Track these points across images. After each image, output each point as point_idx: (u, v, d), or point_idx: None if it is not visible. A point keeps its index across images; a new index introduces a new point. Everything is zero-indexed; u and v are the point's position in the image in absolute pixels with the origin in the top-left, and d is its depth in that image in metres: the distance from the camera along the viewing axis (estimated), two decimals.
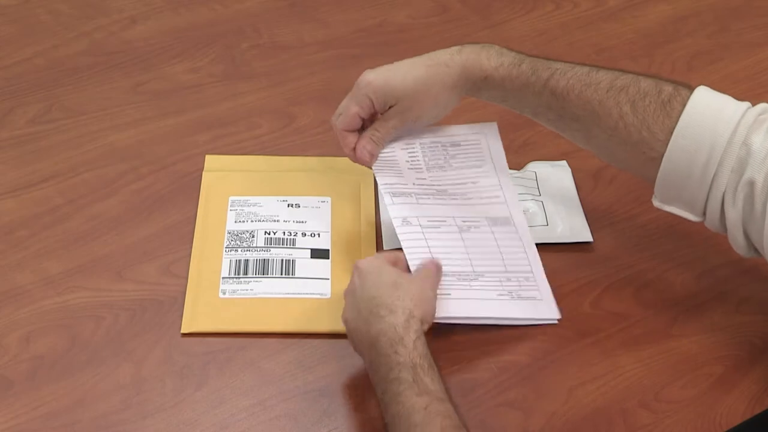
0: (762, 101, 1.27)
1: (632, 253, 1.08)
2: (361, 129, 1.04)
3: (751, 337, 1.01)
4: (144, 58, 1.29)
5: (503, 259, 1.02)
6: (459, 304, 0.98)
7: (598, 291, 1.04)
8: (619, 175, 1.14)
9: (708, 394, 0.96)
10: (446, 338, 0.98)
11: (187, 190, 1.12)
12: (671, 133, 0.92)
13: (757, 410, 0.95)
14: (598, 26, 1.40)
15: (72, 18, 1.35)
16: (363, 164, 1.04)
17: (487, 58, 0.99)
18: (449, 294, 0.98)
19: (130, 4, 1.38)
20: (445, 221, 1.02)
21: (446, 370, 0.94)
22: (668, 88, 0.94)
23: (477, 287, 1.00)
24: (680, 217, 1.11)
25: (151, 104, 1.23)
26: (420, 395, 0.83)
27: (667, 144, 0.92)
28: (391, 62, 1.30)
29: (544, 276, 1.03)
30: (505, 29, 1.38)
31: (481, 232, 1.03)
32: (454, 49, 1.01)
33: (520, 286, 1.02)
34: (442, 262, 0.98)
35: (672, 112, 0.93)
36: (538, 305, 1.01)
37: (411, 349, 0.86)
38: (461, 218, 1.03)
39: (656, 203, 0.98)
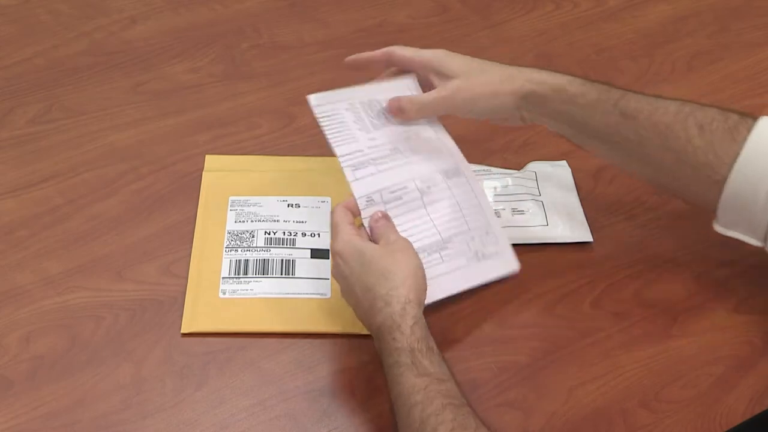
0: (762, 101, 1.28)
1: (632, 253, 1.08)
2: None
3: (751, 337, 1.01)
4: (144, 58, 1.29)
5: (464, 217, 1.02)
6: (435, 284, 0.98)
7: (598, 291, 1.05)
8: (619, 175, 1.14)
9: (708, 394, 0.96)
10: (446, 338, 0.98)
11: (187, 190, 1.12)
12: (736, 158, 0.93)
13: (757, 410, 0.95)
14: (598, 26, 1.40)
15: (72, 18, 1.35)
16: (390, 109, 1.04)
17: (560, 75, 1.00)
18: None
19: (130, 4, 1.38)
20: (406, 188, 1.02)
21: None
22: (734, 116, 0.96)
23: (447, 257, 1.00)
24: (680, 218, 1.11)
25: (151, 104, 1.23)
26: (419, 377, 0.85)
27: (731, 168, 0.94)
28: None
29: (498, 225, 1.04)
30: (505, 29, 1.38)
31: (440, 190, 1.03)
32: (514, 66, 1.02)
33: (482, 243, 1.02)
34: (411, 239, 0.98)
35: (738, 137, 0.94)
36: (499, 261, 1.02)
37: (408, 334, 0.88)
38: (419, 179, 1.02)
39: (718, 228, 0.99)
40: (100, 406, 0.92)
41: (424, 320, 0.90)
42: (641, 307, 1.03)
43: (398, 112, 1.04)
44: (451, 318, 1.00)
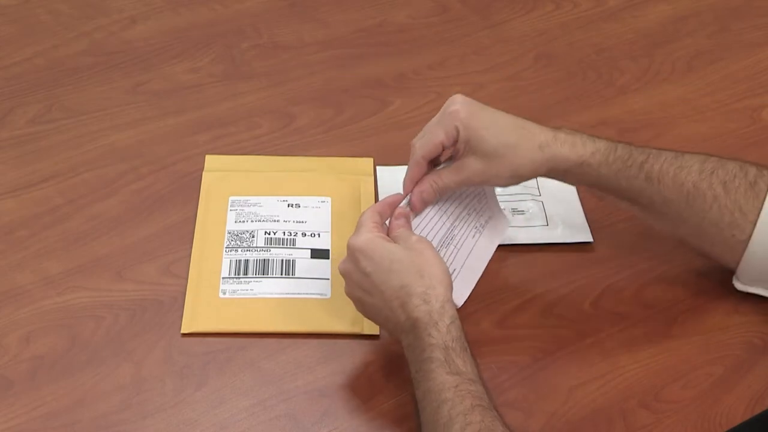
0: (762, 101, 1.28)
1: (632, 253, 1.08)
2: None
3: (751, 337, 1.01)
4: (144, 58, 1.29)
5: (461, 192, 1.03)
6: (463, 276, 0.99)
7: (598, 291, 1.04)
8: None
9: (708, 394, 0.96)
10: None
11: (187, 190, 1.12)
12: (758, 216, 0.95)
13: (757, 410, 0.95)
14: (598, 26, 1.40)
15: (72, 18, 1.35)
16: (413, 207, 0.99)
17: (582, 143, 0.98)
18: (453, 270, 0.99)
19: (130, 4, 1.38)
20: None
21: None
22: (753, 170, 0.97)
23: (456, 246, 1.00)
24: None
25: (151, 104, 1.23)
26: (451, 374, 0.85)
27: (755, 226, 0.95)
28: (391, 62, 1.31)
29: (494, 196, 1.03)
30: (505, 29, 1.38)
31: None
32: (547, 130, 0.98)
33: (478, 213, 1.03)
34: (424, 233, 0.98)
35: (759, 193, 0.96)
36: (496, 226, 1.03)
37: (444, 332, 0.87)
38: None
39: (738, 285, 1.01)
40: (100, 406, 0.92)
41: (459, 321, 0.89)
42: (641, 307, 1.03)
43: (422, 205, 0.99)
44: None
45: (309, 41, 1.34)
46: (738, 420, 0.94)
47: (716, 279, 1.06)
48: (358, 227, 0.95)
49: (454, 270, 0.99)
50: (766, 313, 1.03)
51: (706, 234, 0.99)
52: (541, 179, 1.13)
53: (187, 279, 1.02)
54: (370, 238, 0.93)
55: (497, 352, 0.98)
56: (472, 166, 0.98)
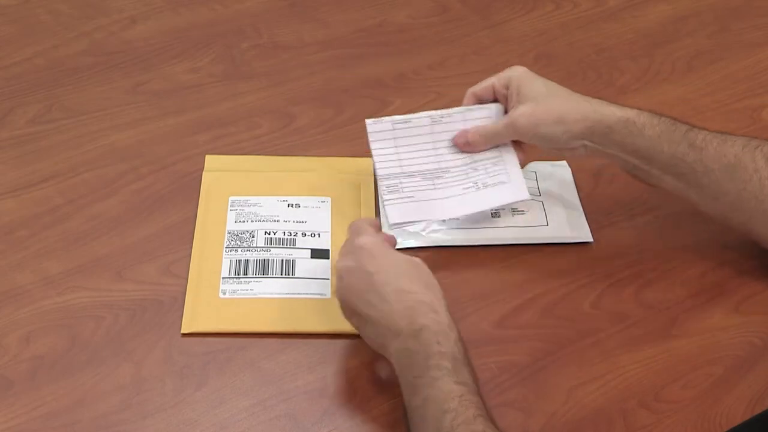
0: (762, 101, 1.28)
1: (632, 253, 1.08)
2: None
3: (751, 337, 1.01)
4: (144, 58, 1.29)
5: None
6: (420, 207, 1.02)
7: (598, 291, 1.05)
8: (619, 175, 1.14)
9: (708, 394, 0.96)
10: None
11: (187, 190, 1.12)
12: None
13: (757, 410, 0.95)
14: (598, 26, 1.40)
15: (72, 18, 1.35)
16: (458, 144, 1.07)
17: (627, 108, 1.02)
18: (412, 197, 1.04)
19: (130, 4, 1.38)
20: (417, 117, 1.08)
21: None
22: None
23: (441, 185, 1.03)
24: (680, 218, 1.11)
25: (151, 104, 1.23)
26: (457, 384, 0.84)
27: None
28: (391, 62, 1.31)
29: (515, 160, 1.06)
30: (505, 29, 1.38)
31: (452, 121, 1.07)
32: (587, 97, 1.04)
33: (486, 172, 1.05)
34: (410, 162, 1.03)
35: None
36: (505, 189, 1.05)
37: (452, 343, 0.87)
38: (438, 114, 1.07)
39: None
40: (100, 406, 0.92)
41: (462, 341, 0.89)
42: (641, 307, 1.03)
43: (466, 146, 1.06)
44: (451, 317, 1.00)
45: (309, 41, 1.34)
46: (738, 420, 0.94)
47: (716, 279, 1.06)
48: (359, 230, 0.95)
49: (428, 199, 1.03)
50: (766, 313, 1.03)
51: (745, 206, 0.99)
52: (541, 179, 1.14)
53: (187, 279, 1.02)
54: (377, 240, 0.93)
55: (497, 352, 0.98)
56: (519, 109, 1.03)
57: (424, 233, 1.07)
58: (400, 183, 1.05)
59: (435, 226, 1.07)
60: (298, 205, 1.10)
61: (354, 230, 0.96)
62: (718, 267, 1.07)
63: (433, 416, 0.83)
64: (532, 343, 0.99)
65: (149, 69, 1.28)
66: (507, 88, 1.05)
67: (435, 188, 1.04)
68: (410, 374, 0.87)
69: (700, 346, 1.00)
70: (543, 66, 1.31)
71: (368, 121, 1.07)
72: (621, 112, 1.01)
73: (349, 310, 0.94)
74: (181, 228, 1.08)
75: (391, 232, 1.01)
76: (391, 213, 1.03)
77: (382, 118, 1.07)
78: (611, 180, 1.15)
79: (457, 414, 0.82)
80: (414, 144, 1.07)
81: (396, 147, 1.06)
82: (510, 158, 1.07)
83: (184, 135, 1.19)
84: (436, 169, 1.06)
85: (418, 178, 1.05)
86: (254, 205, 1.09)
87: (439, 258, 1.06)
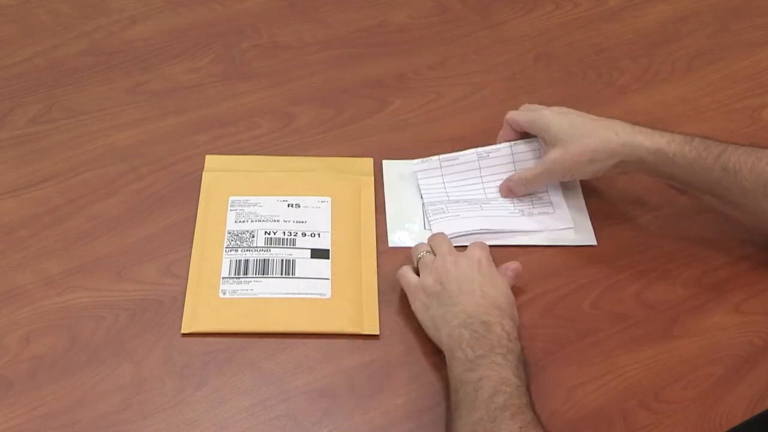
0: (762, 101, 1.28)
1: (632, 253, 1.08)
2: None
3: (751, 337, 1.01)
4: (144, 58, 1.29)
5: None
6: (468, 222, 1.07)
7: (598, 291, 1.05)
8: (619, 176, 1.14)
9: (708, 394, 0.96)
10: None
11: (187, 190, 1.12)
12: None
13: (757, 410, 0.95)
14: (598, 26, 1.39)
15: (72, 18, 1.35)
16: (501, 192, 1.11)
17: (658, 133, 1.03)
18: (458, 215, 1.08)
19: (130, 4, 1.38)
20: (464, 152, 1.13)
21: (447, 371, 0.94)
22: None
23: (487, 208, 1.09)
24: (680, 218, 1.11)
25: (151, 104, 1.23)
26: (516, 377, 0.88)
27: None
28: (391, 62, 1.31)
29: (560, 194, 1.11)
30: (505, 29, 1.38)
31: (501, 154, 1.12)
32: (621, 121, 1.05)
33: (532, 204, 1.10)
34: (457, 194, 1.10)
35: None
36: (550, 218, 1.09)
37: (518, 350, 0.91)
38: (485, 150, 1.13)
39: None
40: (100, 406, 0.92)
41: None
42: (641, 307, 1.03)
43: (509, 193, 1.11)
44: None
45: (309, 41, 1.34)
46: (738, 420, 0.94)
47: (716, 279, 1.06)
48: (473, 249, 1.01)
49: (456, 216, 1.09)
50: (766, 313, 1.03)
51: None
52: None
53: (187, 279, 1.02)
54: (489, 255, 1.00)
55: None
56: (551, 155, 1.07)
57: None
58: (447, 207, 1.09)
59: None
60: (298, 205, 1.10)
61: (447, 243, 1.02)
62: (718, 267, 1.07)
63: (487, 392, 0.86)
64: (532, 343, 0.99)
65: (149, 69, 1.28)
66: (531, 127, 1.10)
67: (482, 210, 1.09)
68: (471, 352, 0.90)
69: (701, 346, 1.00)
70: (543, 66, 1.31)
71: (414, 163, 1.13)
72: (649, 142, 1.02)
73: (435, 286, 0.97)
74: (181, 228, 1.08)
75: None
76: (435, 226, 1.08)
77: (430, 157, 1.12)
78: (612, 181, 1.15)
79: (511, 397, 0.85)
80: (461, 180, 1.12)
81: (444, 183, 1.12)
82: (555, 192, 1.12)
83: (184, 135, 1.19)
84: (484, 198, 1.11)
85: (464, 205, 1.10)
86: (254, 205, 1.09)
87: None
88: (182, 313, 0.99)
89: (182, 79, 1.27)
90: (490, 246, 1.02)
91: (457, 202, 1.10)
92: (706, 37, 1.38)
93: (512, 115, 1.12)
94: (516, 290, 1.02)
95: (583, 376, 0.97)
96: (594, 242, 1.09)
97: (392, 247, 1.07)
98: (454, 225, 1.07)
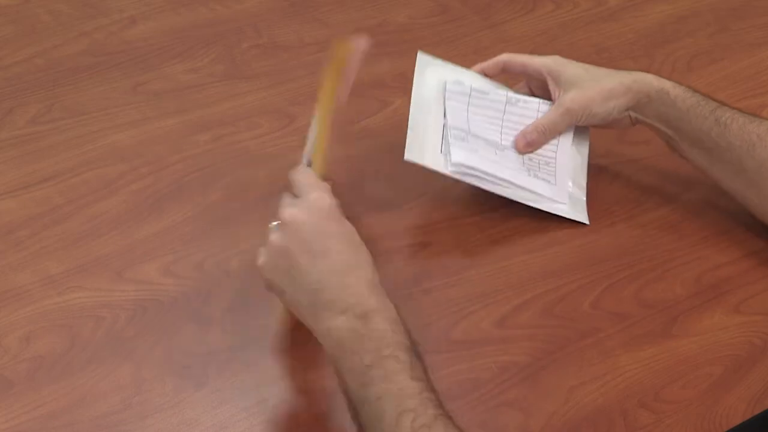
0: (762, 101, 1.28)
1: (632, 253, 1.08)
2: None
3: (751, 337, 1.01)
4: (144, 58, 1.30)
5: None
6: (481, 160, 1.07)
7: (598, 291, 1.05)
8: (619, 176, 1.15)
9: (708, 394, 0.96)
10: (446, 338, 0.98)
11: (187, 190, 1.12)
12: None
13: (757, 410, 0.95)
14: (598, 26, 1.40)
15: (72, 18, 1.35)
16: (519, 147, 1.11)
17: (665, 80, 1.08)
18: (476, 150, 1.08)
19: (130, 4, 1.38)
20: (496, 89, 1.15)
21: (446, 370, 0.94)
22: None
23: (500, 156, 1.09)
24: (680, 218, 1.12)
25: (151, 104, 1.23)
26: (414, 380, 0.80)
27: None
28: (391, 62, 1.31)
29: (565, 168, 1.10)
30: (505, 29, 1.38)
31: (528, 107, 1.13)
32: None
33: (539, 167, 1.10)
34: (477, 127, 1.09)
35: None
36: (549, 187, 1.09)
37: (403, 332, 0.83)
38: (515, 97, 1.14)
39: None
40: (100, 406, 0.92)
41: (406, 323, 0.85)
42: (641, 307, 1.03)
43: (527, 147, 1.11)
44: (451, 318, 1.00)
45: (309, 41, 1.34)
46: (738, 420, 0.94)
47: (716, 279, 1.06)
48: (312, 185, 0.89)
49: (476, 150, 1.08)
50: (766, 313, 1.03)
51: (762, 184, 1.03)
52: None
53: (187, 279, 1.02)
54: (336, 203, 0.87)
55: (497, 352, 0.98)
56: (567, 95, 1.09)
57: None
58: (468, 137, 1.09)
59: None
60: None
61: (305, 182, 0.89)
62: (718, 267, 1.07)
63: (390, 415, 0.78)
64: (532, 343, 0.99)
65: (149, 69, 1.28)
66: (541, 74, 1.11)
67: (496, 155, 1.09)
68: (359, 361, 0.81)
69: (700, 346, 1.00)
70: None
71: (448, 82, 1.13)
72: (658, 82, 1.08)
73: (283, 266, 0.86)
74: (181, 228, 1.08)
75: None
76: (455, 153, 1.07)
77: (462, 78, 1.14)
78: (611, 180, 1.15)
79: (417, 415, 0.78)
80: (484, 116, 1.12)
81: (468, 111, 1.12)
82: (562, 165, 1.11)
83: (184, 135, 1.19)
84: (498, 143, 1.10)
85: (482, 142, 1.10)
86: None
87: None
88: (182, 313, 0.99)
89: (182, 79, 1.27)
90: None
91: (476, 136, 1.10)
92: (706, 37, 1.38)
93: (513, 56, 1.13)
94: (516, 290, 1.02)
95: (583, 376, 0.97)
96: (586, 221, 1.10)
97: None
98: (474, 159, 1.07)
